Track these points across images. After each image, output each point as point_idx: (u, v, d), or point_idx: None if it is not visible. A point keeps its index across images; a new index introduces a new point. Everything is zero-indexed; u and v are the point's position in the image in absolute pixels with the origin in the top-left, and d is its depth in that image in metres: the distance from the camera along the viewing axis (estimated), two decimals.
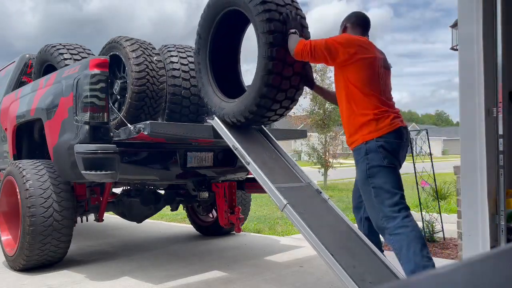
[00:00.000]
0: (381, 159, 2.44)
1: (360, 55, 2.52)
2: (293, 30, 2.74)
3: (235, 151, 2.96)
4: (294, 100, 2.97)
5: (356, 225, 2.85)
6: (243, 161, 2.90)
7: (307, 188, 2.98)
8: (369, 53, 2.56)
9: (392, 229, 2.38)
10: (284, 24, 2.74)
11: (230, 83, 3.39)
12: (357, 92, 2.52)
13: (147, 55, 3.57)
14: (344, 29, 2.82)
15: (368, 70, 2.54)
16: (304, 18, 2.89)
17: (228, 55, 3.43)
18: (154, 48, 3.70)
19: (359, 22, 2.79)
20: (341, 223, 2.78)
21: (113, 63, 3.65)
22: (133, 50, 3.54)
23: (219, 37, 3.30)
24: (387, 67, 2.68)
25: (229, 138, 3.01)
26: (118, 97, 3.75)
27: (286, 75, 2.76)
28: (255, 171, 2.80)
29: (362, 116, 2.51)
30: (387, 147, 2.46)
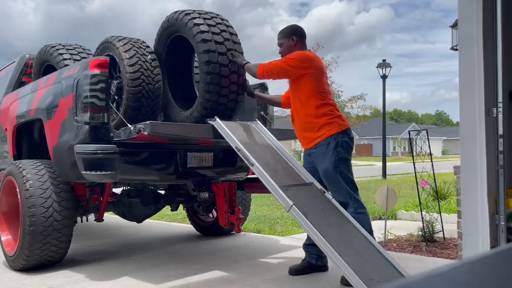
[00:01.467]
0: (346, 152, 3.08)
1: (313, 69, 3.07)
2: (245, 62, 3.27)
3: (238, 152, 2.97)
4: (237, 101, 3.43)
5: (359, 224, 2.87)
6: (247, 162, 2.90)
7: (311, 188, 3.00)
8: (319, 65, 3.15)
9: (356, 208, 3.04)
10: (216, 43, 3.22)
11: (186, 96, 3.83)
12: (318, 96, 3.08)
13: (141, 55, 3.50)
14: (295, 42, 3.22)
15: (322, 79, 3.14)
16: (235, 34, 3.40)
17: (182, 74, 3.88)
18: (148, 47, 3.63)
19: (304, 36, 3.27)
20: (345, 223, 2.79)
21: (109, 64, 3.64)
22: (126, 50, 3.47)
23: (172, 58, 3.76)
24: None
25: (232, 140, 3.02)
26: (116, 97, 3.75)
27: (224, 84, 3.28)
28: (260, 172, 2.81)
29: (326, 116, 3.08)
30: (350, 142, 3.13)
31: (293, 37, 3.22)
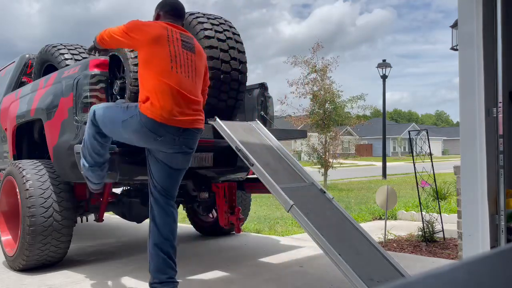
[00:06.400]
0: None
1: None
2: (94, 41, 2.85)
3: (238, 153, 2.97)
4: (237, 100, 3.50)
5: (360, 224, 2.86)
6: (247, 162, 2.90)
7: (311, 188, 3.00)
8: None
9: None
10: (219, 40, 3.28)
11: None
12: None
13: None
14: (157, 16, 2.82)
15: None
16: (238, 34, 3.48)
17: None
18: None
19: (171, 12, 2.79)
20: (346, 223, 2.79)
21: (113, 64, 3.65)
22: (131, 50, 3.53)
23: None
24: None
25: (232, 140, 3.02)
26: (118, 97, 3.75)
27: (225, 80, 3.35)
28: (260, 172, 2.80)
29: None
30: None
31: (158, 10, 2.81)
